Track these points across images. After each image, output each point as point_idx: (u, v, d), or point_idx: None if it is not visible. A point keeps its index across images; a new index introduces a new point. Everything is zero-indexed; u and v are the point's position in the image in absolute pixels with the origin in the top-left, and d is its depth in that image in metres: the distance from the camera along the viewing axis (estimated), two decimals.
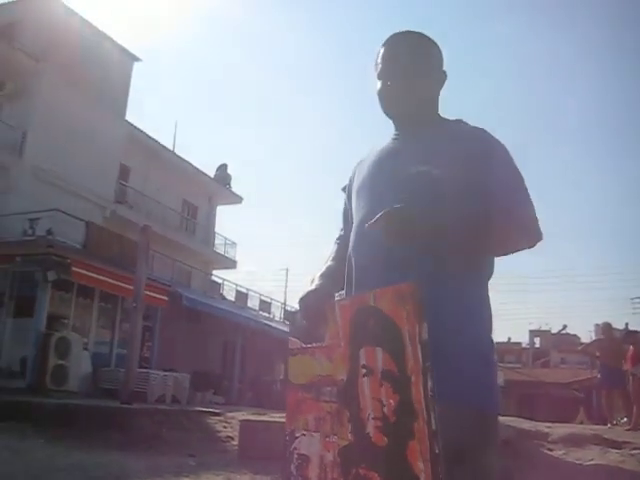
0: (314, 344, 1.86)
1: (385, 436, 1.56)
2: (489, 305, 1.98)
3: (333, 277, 2.13)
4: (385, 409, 1.56)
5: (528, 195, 1.93)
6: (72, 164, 19.91)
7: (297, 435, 1.90)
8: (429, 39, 2.12)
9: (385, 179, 1.99)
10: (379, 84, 2.06)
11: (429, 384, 1.50)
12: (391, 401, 1.55)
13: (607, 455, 7.33)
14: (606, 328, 12.48)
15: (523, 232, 1.91)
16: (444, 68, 2.12)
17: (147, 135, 25.36)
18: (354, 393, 1.65)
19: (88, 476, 5.81)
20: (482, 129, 1.98)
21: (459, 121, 2.05)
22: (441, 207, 1.84)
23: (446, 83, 2.13)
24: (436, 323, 1.80)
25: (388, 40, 2.09)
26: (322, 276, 2.16)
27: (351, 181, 2.21)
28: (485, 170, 1.88)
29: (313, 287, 2.09)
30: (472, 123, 2.04)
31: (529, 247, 1.93)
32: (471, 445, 1.75)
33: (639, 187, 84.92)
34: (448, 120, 2.08)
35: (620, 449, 7.58)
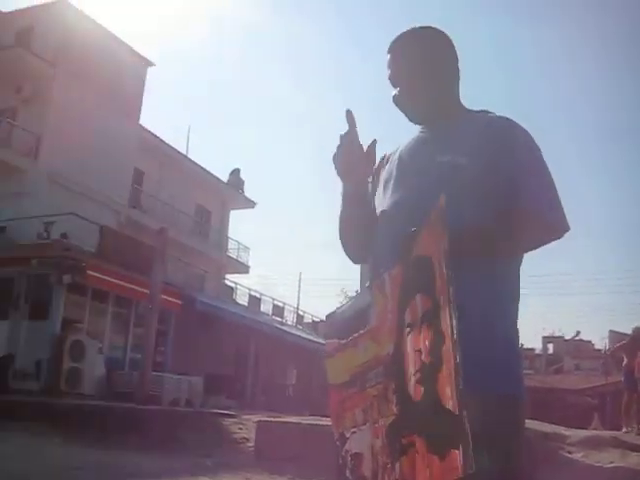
0: (356, 334, 1.81)
1: (422, 385, 1.52)
2: (518, 291, 1.97)
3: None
4: (423, 356, 1.53)
5: (553, 185, 1.91)
6: (87, 168, 20.03)
7: (347, 436, 1.84)
8: (433, 34, 2.11)
9: (412, 170, 2.00)
10: (393, 91, 2.08)
11: (451, 292, 1.48)
12: (426, 341, 1.51)
13: (627, 458, 7.25)
14: (637, 332, 12.29)
15: (549, 226, 1.89)
16: (456, 57, 2.11)
17: (161, 140, 25.50)
18: (400, 360, 1.62)
19: (104, 475, 5.81)
20: (507, 118, 1.97)
21: (484, 112, 2.04)
22: (461, 210, 1.83)
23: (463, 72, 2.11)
24: (466, 309, 1.79)
25: (391, 45, 2.10)
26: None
27: (375, 171, 2.20)
28: (509, 159, 1.87)
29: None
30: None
31: (557, 239, 1.92)
32: (501, 431, 1.73)
33: None
34: (472, 111, 2.07)
35: None
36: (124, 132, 22.11)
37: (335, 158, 2.05)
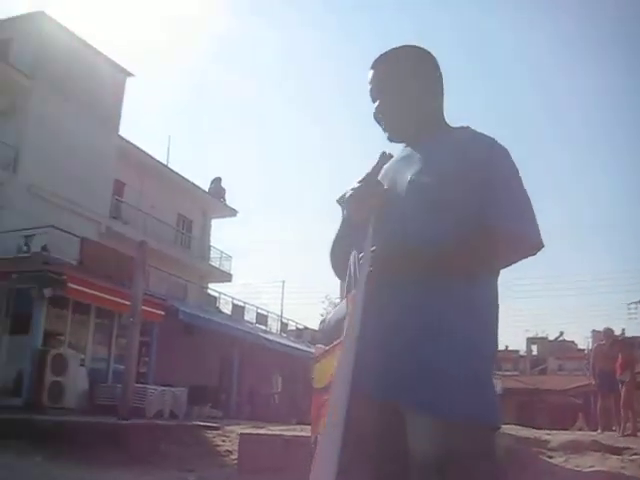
0: (334, 342, 1.86)
1: None
2: (495, 312, 1.96)
3: None
4: None
5: (529, 203, 1.93)
6: (66, 180, 19.91)
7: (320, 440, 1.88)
8: (415, 52, 2.12)
9: (390, 187, 1.99)
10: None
11: None
12: None
13: (607, 461, 7.30)
14: (608, 333, 12.51)
15: (524, 244, 1.91)
16: (439, 75, 2.11)
17: (141, 150, 25.38)
18: None
19: None
20: (485, 135, 1.98)
21: (464, 128, 2.05)
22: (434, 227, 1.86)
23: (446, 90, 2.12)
24: (432, 323, 1.82)
25: (374, 62, 2.12)
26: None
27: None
28: (485, 179, 1.89)
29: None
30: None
31: (531, 255, 1.94)
32: (463, 457, 1.74)
33: (631, 190, 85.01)
34: (453, 128, 2.08)
35: (620, 455, 7.56)
36: (104, 143, 22.00)
37: (349, 200, 2.01)
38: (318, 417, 1.91)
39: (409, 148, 2.08)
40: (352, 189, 2.00)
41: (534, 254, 1.92)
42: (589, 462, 7.26)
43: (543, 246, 1.91)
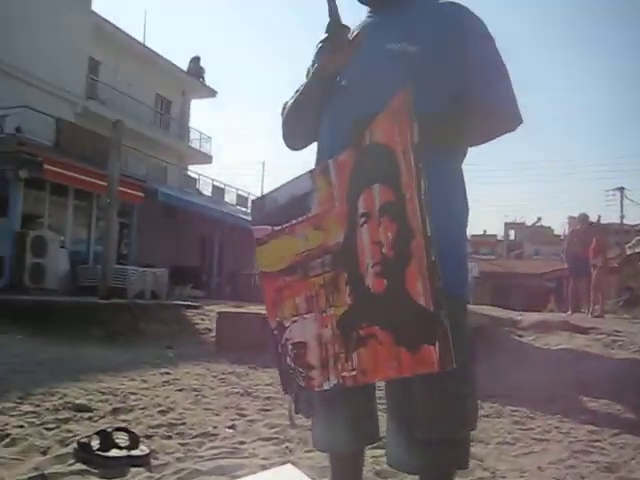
0: (293, 221, 1.77)
1: (384, 278, 1.50)
2: (464, 184, 1.97)
3: None
4: (384, 248, 1.50)
5: (507, 76, 1.90)
6: (38, 58, 19.17)
7: (287, 324, 1.84)
8: None
9: (361, 58, 1.91)
10: None
11: (422, 187, 1.44)
12: (389, 234, 1.49)
13: (574, 340, 7.59)
14: (582, 219, 12.69)
15: (502, 118, 1.90)
16: None
17: (115, 26, 24.44)
18: (352, 250, 1.58)
19: (68, 368, 5.90)
20: (460, 5, 1.92)
21: None
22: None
23: None
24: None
25: None
26: None
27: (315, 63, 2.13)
28: (461, 47, 1.84)
29: None
30: None
31: (509, 132, 1.92)
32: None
33: (612, 76, 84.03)
34: None
35: (587, 334, 7.84)
36: (75, 19, 21.03)
37: (321, 52, 1.94)
38: (279, 301, 1.86)
39: (376, 16, 2.01)
40: (321, 42, 1.93)
41: (514, 130, 1.91)
42: (557, 341, 7.54)
43: (522, 122, 1.90)
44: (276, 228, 1.85)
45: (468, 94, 1.83)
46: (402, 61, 1.82)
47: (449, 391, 1.75)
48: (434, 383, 1.72)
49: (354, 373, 1.61)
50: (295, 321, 1.81)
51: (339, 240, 1.62)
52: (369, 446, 2.21)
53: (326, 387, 1.72)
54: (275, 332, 1.90)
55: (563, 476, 3.12)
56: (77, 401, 4.31)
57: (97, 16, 23.31)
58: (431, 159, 1.80)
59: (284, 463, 2.93)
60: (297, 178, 1.82)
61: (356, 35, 1.88)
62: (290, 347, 1.84)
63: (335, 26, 1.88)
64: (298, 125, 2.12)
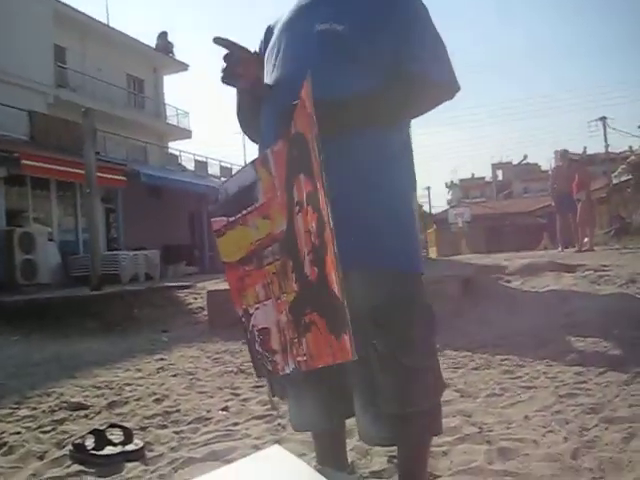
0: (244, 212, 1.81)
1: (316, 266, 1.54)
2: (411, 155, 2.00)
3: None
4: (312, 237, 1.54)
5: (442, 44, 1.90)
6: (2, 52, 18.83)
7: (251, 312, 1.90)
8: None
9: (292, 41, 1.95)
10: None
11: (323, 178, 1.48)
12: (313, 224, 1.53)
13: (561, 280, 7.66)
14: (563, 155, 12.76)
15: (440, 88, 1.91)
16: None
17: (76, 10, 24.02)
18: (293, 238, 1.62)
19: (64, 366, 5.94)
20: None
21: None
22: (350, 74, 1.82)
23: None
24: (354, 178, 1.82)
25: None
26: None
27: (261, 46, 2.15)
28: (393, 21, 1.84)
29: None
30: None
31: (448, 100, 1.94)
32: (394, 305, 1.81)
33: (595, 6, 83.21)
34: None
35: (574, 272, 7.91)
36: (35, 7, 20.58)
37: (225, 76, 1.95)
38: (242, 289, 1.91)
39: None
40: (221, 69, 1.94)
41: (452, 98, 1.92)
42: (545, 282, 7.60)
43: (459, 89, 1.92)
44: (231, 219, 1.89)
45: (404, 66, 1.83)
46: (330, 40, 1.83)
47: (408, 365, 1.80)
48: (392, 360, 1.78)
49: (305, 358, 1.67)
50: (258, 308, 1.86)
51: (283, 228, 1.67)
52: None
53: (287, 371, 1.78)
54: (243, 319, 1.96)
55: (548, 423, 3.18)
56: (73, 399, 4.37)
57: (57, 1, 22.84)
58: (370, 133, 1.83)
59: (276, 442, 2.98)
60: (243, 168, 1.86)
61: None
62: (257, 333, 1.90)
63: (226, 56, 1.92)
64: (248, 125, 2.16)
